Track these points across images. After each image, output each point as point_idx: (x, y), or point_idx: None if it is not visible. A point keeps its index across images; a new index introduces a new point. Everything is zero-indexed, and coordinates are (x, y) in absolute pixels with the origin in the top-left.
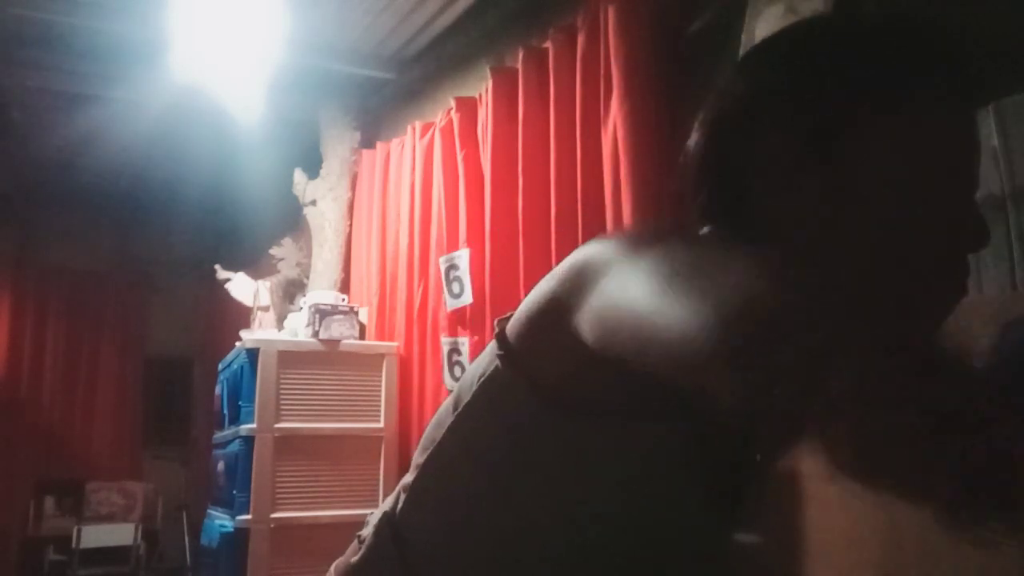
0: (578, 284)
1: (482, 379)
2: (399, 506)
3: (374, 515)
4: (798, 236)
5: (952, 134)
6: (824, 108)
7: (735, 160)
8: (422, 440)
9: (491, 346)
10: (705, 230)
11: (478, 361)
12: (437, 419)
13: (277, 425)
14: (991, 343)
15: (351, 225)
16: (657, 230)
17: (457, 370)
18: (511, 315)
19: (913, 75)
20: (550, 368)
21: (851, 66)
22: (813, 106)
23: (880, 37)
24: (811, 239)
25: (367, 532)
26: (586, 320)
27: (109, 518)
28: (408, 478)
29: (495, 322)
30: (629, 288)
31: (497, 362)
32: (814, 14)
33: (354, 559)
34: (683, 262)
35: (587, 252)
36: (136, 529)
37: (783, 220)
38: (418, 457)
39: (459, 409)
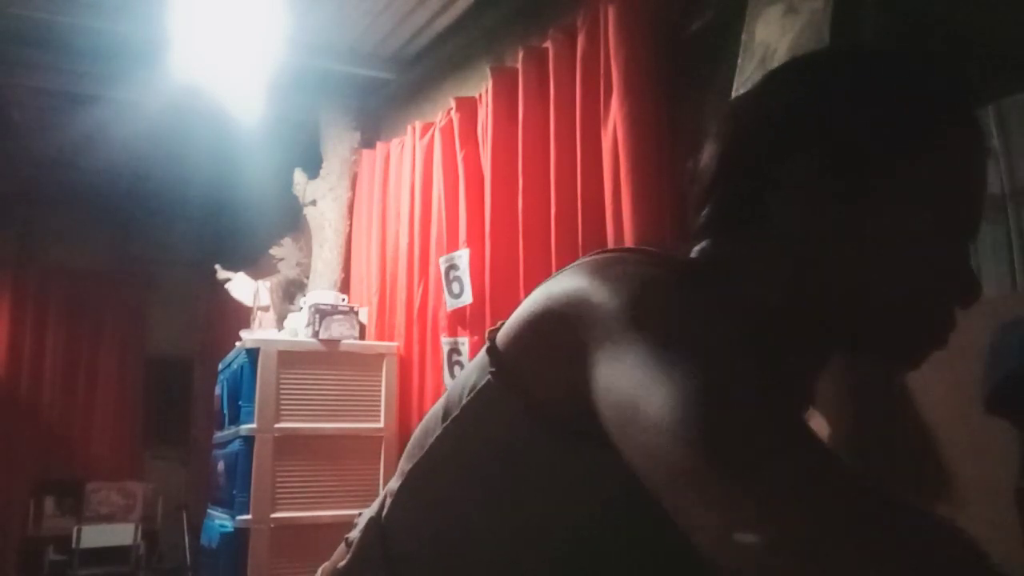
0: (579, 316)
1: (472, 392)
2: (384, 511)
3: (362, 518)
4: (798, 264)
5: (968, 184)
6: (850, 141)
7: (748, 179)
8: (409, 446)
9: (481, 357)
10: (703, 244)
11: (467, 371)
12: (425, 426)
13: (277, 425)
14: (991, 343)
15: (351, 225)
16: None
17: (457, 370)
18: (501, 325)
19: (938, 119)
20: (542, 383)
21: (882, 102)
22: (839, 137)
23: (909, 74)
24: (810, 270)
25: (354, 536)
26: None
27: (109, 518)
28: (394, 483)
29: (486, 333)
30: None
31: (488, 376)
32: (813, 13)
33: (342, 564)
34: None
35: (589, 286)
36: (136, 529)
37: (787, 245)
38: (405, 463)
39: (448, 421)
